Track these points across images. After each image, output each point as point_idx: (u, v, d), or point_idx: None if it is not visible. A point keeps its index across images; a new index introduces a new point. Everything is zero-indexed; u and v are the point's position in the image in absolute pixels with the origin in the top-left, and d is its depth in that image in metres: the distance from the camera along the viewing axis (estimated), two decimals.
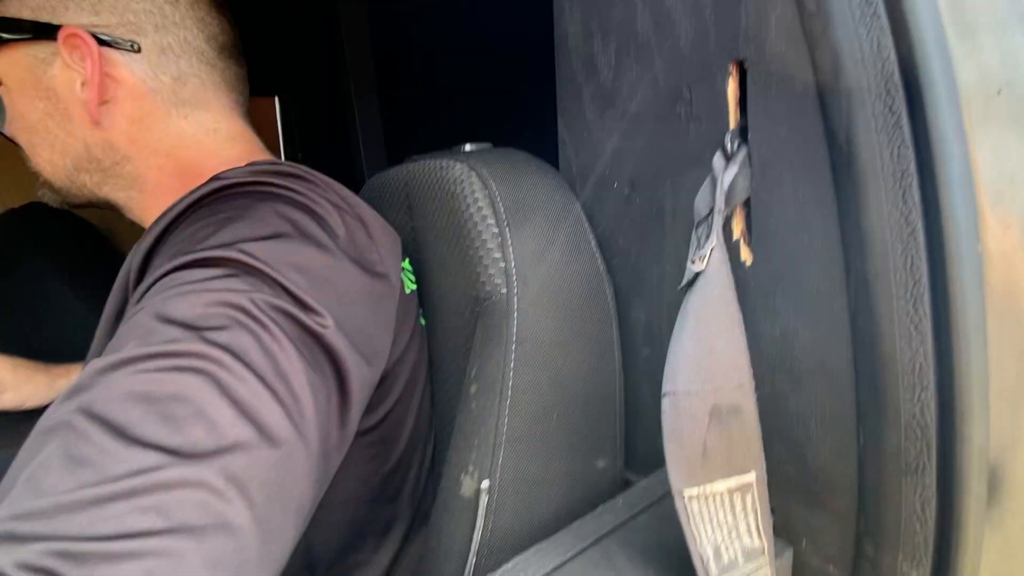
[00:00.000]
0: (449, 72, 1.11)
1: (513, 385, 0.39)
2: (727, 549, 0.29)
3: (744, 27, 0.31)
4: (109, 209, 0.50)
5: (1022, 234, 0.29)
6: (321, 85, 1.14)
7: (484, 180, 0.41)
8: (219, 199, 0.37)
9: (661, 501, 0.37)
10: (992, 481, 0.29)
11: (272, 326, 0.29)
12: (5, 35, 0.44)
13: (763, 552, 0.30)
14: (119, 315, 0.37)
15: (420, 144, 0.55)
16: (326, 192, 0.39)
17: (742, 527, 0.29)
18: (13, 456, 0.25)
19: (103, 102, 0.43)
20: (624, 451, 0.45)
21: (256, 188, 0.38)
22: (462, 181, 0.41)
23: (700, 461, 0.28)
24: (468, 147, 0.47)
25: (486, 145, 0.48)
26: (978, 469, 0.27)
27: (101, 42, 0.43)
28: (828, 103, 0.28)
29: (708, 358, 0.29)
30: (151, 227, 0.37)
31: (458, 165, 0.42)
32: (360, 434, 0.39)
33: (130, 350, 0.27)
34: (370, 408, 0.40)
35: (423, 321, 0.48)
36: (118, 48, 0.43)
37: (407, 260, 0.46)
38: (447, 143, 0.50)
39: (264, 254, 0.32)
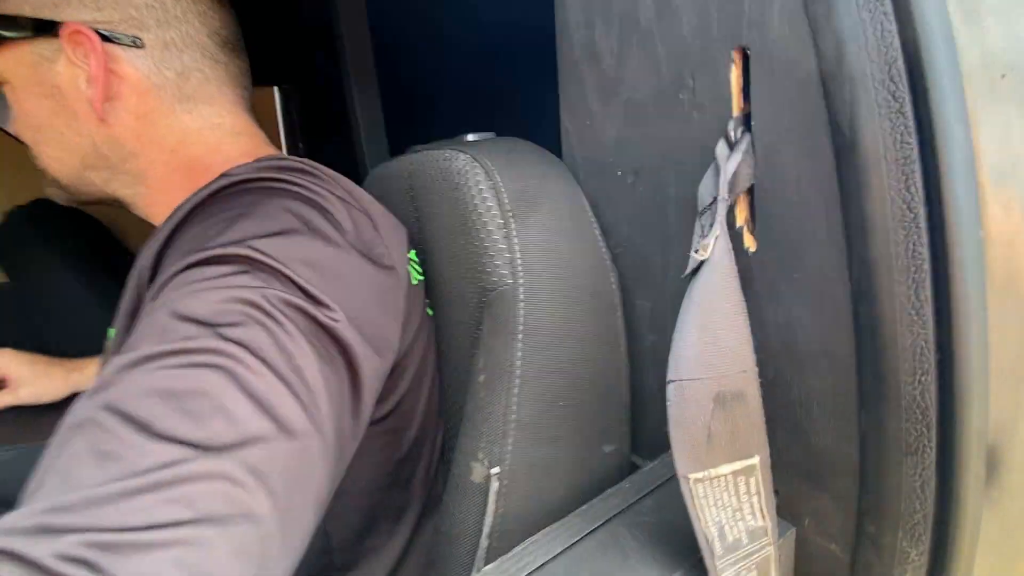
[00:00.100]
0: (451, 61, 1.09)
1: (521, 374, 0.39)
2: (731, 529, 0.30)
3: (747, 13, 0.31)
4: (116, 205, 0.50)
5: None
6: (321, 74, 1.13)
7: (488, 171, 0.41)
8: (227, 196, 0.37)
9: (667, 484, 0.38)
10: (991, 461, 0.29)
11: (285, 321, 0.30)
12: (7, 33, 0.43)
13: (766, 532, 0.31)
14: (134, 312, 0.38)
15: (422, 134, 0.55)
16: (332, 186, 0.40)
17: (746, 508, 0.30)
18: (35, 449, 0.26)
19: (108, 99, 0.43)
20: (631, 436, 0.46)
21: (263, 184, 0.38)
22: (465, 172, 0.41)
23: (705, 446, 0.29)
24: (471, 137, 0.47)
25: (489, 135, 0.48)
26: (977, 450, 0.28)
27: (104, 38, 0.42)
28: (831, 90, 0.28)
29: (712, 345, 0.29)
30: (162, 225, 0.38)
31: (461, 156, 0.42)
32: (373, 423, 0.40)
33: (149, 347, 0.27)
34: (382, 398, 0.41)
35: (430, 311, 0.49)
36: (121, 44, 0.43)
37: (413, 251, 0.46)
38: (449, 133, 0.50)
39: (274, 250, 0.32)
